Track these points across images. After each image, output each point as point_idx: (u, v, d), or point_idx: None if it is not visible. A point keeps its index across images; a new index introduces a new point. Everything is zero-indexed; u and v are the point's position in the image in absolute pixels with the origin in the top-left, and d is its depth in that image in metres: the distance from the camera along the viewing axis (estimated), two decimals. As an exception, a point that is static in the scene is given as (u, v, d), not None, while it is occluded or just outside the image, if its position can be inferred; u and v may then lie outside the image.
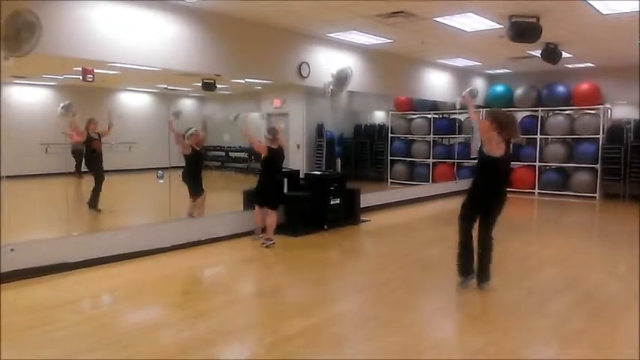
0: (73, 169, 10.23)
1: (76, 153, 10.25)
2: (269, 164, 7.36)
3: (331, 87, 9.30)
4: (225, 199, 10.93)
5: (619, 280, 5.89)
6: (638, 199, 11.80)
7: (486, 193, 5.36)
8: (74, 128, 8.17)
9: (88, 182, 10.25)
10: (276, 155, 7.38)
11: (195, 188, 7.84)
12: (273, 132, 7.40)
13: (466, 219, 5.45)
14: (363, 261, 7.05)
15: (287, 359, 3.68)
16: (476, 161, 5.63)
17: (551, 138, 13.05)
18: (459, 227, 5.44)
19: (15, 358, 3.62)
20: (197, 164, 8.00)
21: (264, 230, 7.41)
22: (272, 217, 7.33)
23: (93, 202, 8.23)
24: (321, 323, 4.39)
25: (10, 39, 5.22)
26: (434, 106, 13.76)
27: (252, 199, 7.74)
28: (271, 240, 7.22)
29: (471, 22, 7.97)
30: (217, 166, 15.36)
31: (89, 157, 8.38)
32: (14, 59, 5.39)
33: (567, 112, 13.04)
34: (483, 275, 5.31)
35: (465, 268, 5.40)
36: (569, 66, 12.21)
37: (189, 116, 13.95)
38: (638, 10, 7.04)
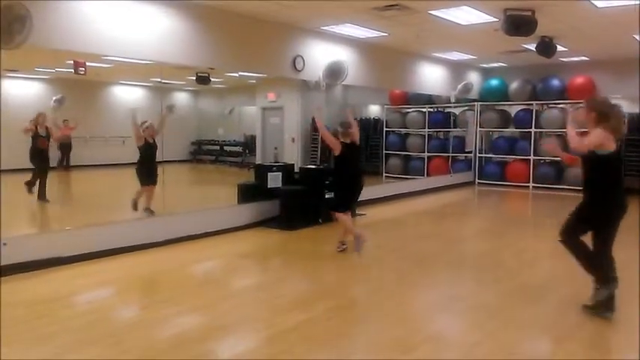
0: (63, 164, 10.22)
1: (63, 147, 10.28)
2: (344, 162, 6.45)
3: (325, 80, 9.25)
4: (220, 193, 10.91)
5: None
6: (633, 192, 11.84)
7: (607, 200, 4.24)
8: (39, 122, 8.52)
9: (75, 176, 10.23)
10: (350, 151, 6.47)
11: (143, 180, 7.76)
12: (346, 125, 6.48)
13: (574, 234, 4.52)
14: (358, 254, 7.04)
15: (283, 352, 3.67)
16: (583, 168, 4.36)
17: (546, 132, 13.07)
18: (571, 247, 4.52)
19: (7, 353, 3.59)
20: (150, 156, 7.85)
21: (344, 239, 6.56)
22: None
23: (41, 195, 8.56)
24: (317, 317, 4.38)
25: (1, 31, 5.16)
26: (429, 99, 13.75)
27: (332, 208, 6.66)
28: (345, 245, 6.57)
29: (466, 15, 7.94)
30: (212, 160, 15.36)
31: (34, 153, 8.52)
32: (5, 52, 5.34)
33: (562, 105, 13.05)
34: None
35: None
36: (564, 59, 12.21)
37: (183, 109, 13.95)
38: (633, 3, 7.03)
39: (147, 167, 7.78)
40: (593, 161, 4.18)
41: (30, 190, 8.51)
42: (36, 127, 8.56)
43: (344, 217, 6.43)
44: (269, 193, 8.24)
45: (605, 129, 4.06)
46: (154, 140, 7.86)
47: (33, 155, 8.56)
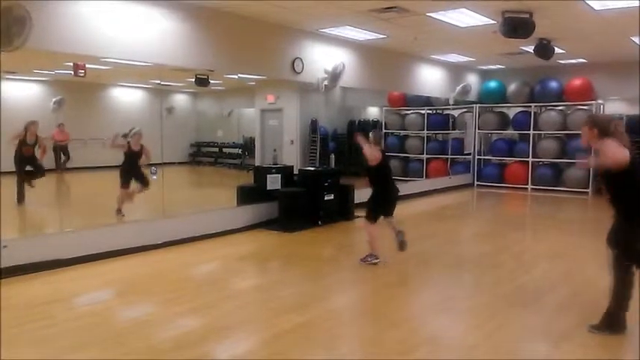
0: (61, 167, 10.24)
1: (56, 150, 10.30)
2: (381, 172, 6.37)
3: (325, 83, 9.27)
4: (219, 195, 10.91)
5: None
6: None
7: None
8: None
9: (73, 178, 10.24)
10: (386, 160, 6.46)
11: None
12: (378, 136, 6.52)
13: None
14: (357, 256, 7.04)
15: (282, 354, 3.68)
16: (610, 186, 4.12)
17: (544, 133, 13.10)
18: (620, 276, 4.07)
19: (7, 355, 3.59)
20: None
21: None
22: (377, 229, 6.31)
23: (20, 197, 8.56)
24: (316, 318, 4.39)
25: (0, 33, 5.17)
26: (427, 101, 13.77)
27: (370, 214, 6.30)
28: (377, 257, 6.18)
29: (464, 17, 7.97)
30: (211, 162, 15.36)
31: (17, 159, 8.49)
32: (5, 54, 5.34)
33: (560, 107, 13.08)
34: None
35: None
36: (562, 62, 12.25)
37: (182, 111, 13.97)
38: (630, 6, 7.06)
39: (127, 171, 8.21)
40: (611, 177, 3.99)
41: (21, 201, 8.51)
42: (25, 134, 8.54)
43: (373, 228, 6.24)
44: (268, 195, 8.26)
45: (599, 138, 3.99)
46: (142, 147, 8.20)
47: (16, 161, 8.58)
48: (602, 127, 4.04)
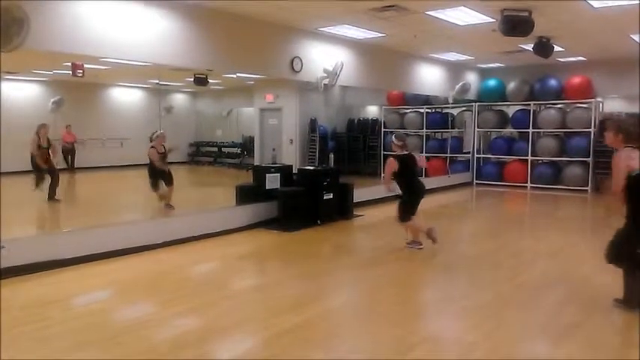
0: (64, 166, 10.31)
1: (65, 151, 10.36)
2: (405, 173, 6.69)
3: (324, 82, 9.25)
4: (219, 194, 10.92)
5: (611, 273, 5.92)
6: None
7: None
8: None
9: (75, 178, 10.24)
10: (407, 161, 6.69)
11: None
12: (402, 137, 6.87)
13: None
14: (357, 255, 7.05)
15: (281, 354, 3.67)
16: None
17: (544, 132, 13.09)
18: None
19: (7, 355, 3.59)
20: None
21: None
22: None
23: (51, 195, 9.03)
24: (315, 318, 4.39)
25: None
26: (427, 100, 13.77)
27: (403, 215, 6.80)
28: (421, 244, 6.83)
29: (463, 16, 7.96)
30: (210, 162, 15.38)
31: (35, 164, 8.83)
32: (4, 55, 5.34)
33: (559, 105, 13.07)
34: None
35: None
36: (561, 60, 12.23)
37: (181, 111, 13.99)
38: (629, 3, 7.06)
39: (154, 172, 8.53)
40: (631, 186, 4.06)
41: (53, 197, 8.90)
42: (38, 138, 8.62)
43: (411, 223, 6.82)
44: (267, 195, 8.25)
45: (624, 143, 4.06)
46: (165, 149, 8.55)
47: (34, 166, 8.69)
48: (627, 133, 4.08)
